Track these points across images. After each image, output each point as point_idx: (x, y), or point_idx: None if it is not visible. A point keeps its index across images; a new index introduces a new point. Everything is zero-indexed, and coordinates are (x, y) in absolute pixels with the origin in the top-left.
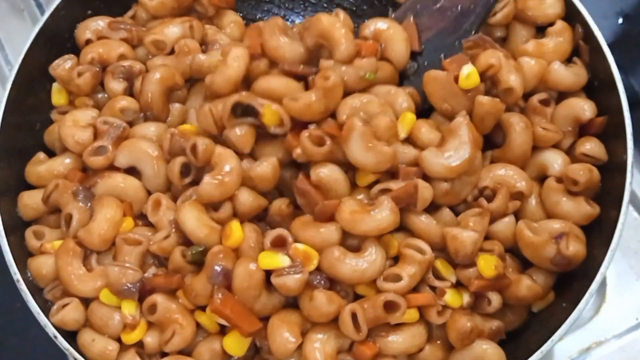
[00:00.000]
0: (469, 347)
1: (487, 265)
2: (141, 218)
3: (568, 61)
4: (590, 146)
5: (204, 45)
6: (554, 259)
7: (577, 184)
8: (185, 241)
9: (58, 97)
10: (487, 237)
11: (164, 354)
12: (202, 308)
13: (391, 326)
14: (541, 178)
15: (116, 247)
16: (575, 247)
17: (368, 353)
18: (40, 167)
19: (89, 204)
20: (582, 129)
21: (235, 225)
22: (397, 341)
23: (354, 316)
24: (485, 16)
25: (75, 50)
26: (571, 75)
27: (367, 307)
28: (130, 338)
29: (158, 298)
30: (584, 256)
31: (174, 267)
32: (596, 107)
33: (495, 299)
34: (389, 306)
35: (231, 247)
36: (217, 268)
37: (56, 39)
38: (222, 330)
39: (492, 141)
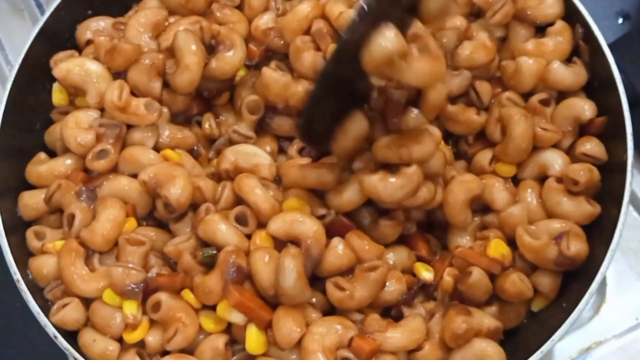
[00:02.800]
0: (469, 346)
1: (497, 248)
2: (144, 219)
3: (568, 61)
4: (590, 146)
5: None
6: (556, 260)
7: (577, 184)
8: (203, 245)
9: (59, 96)
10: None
11: (165, 353)
12: (208, 307)
13: (390, 322)
14: (541, 178)
15: (119, 247)
16: (576, 246)
17: (366, 348)
18: (41, 167)
19: (92, 205)
20: (582, 129)
21: (263, 236)
22: (396, 337)
23: None
24: None
25: (76, 50)
26: (571, 74)
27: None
28: (132, 337)
29: (162, 296)
30: (587, 253)
31: (183, 268)
32: (596, 107)
33: (476, 273)
34: None
35: None
36: (232, 264)
37: (56, 39)
38: (227, 329)
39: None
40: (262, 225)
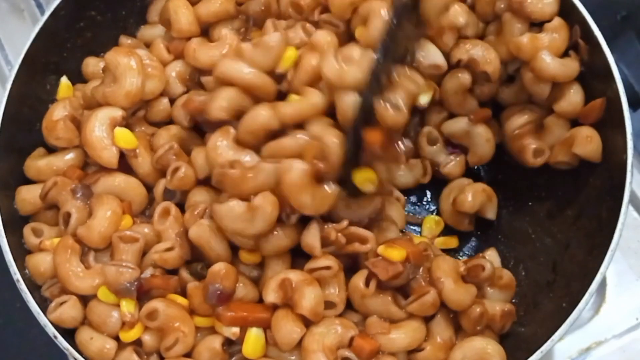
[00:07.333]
0: (469, 344)
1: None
2: (138, 216)
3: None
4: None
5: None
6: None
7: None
8: (188, 255)
9: (65, 92)
10: None
11: None
12: None
13: (391, 322)
14: None
15: (113, 246)
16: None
17: (367, 347)
18: (40, 161)
19: (87, 202)
20: (582, 118)
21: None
22: (398, 338)
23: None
24: None
25: (75, 49)
26: (558, 65)
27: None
28: (128, 336)
29: (159, 305)
30: None
31: (181, 283)
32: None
33: (488, 267)
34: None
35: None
36: (214, 289)
37: (56, 39)
38: None
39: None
40: None
